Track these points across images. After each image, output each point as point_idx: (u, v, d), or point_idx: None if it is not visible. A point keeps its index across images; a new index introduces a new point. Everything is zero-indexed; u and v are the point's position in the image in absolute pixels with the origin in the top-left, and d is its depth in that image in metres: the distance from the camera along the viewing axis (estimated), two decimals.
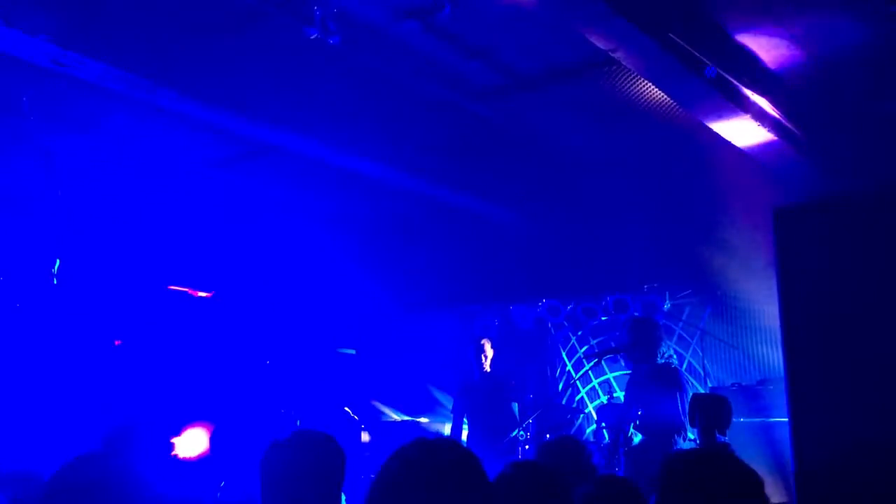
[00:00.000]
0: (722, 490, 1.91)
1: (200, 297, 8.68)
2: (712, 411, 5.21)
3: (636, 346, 6.18)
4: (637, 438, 6.11)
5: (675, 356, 8.34)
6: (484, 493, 1.69)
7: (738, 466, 1.95)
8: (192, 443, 6.55)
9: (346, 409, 8.73)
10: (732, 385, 7.84)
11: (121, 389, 7.32)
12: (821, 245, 4.35)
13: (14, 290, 7.23)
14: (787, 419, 4.73)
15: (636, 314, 8.36)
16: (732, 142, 5.67)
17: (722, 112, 5.20)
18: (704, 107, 5.18)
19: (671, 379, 6.04)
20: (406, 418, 9.37)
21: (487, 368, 7.35)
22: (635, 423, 6.22)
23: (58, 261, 7.02)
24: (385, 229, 8.64)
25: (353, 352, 10.18)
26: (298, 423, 7.79)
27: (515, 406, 7.26)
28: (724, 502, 1.90)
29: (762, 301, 7.66)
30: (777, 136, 5.52)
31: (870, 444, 3.91)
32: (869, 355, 3.98)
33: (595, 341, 9.18)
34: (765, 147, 5.68)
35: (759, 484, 1.93)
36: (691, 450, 3.40)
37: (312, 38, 4.45)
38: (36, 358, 7.16)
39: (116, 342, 7.98)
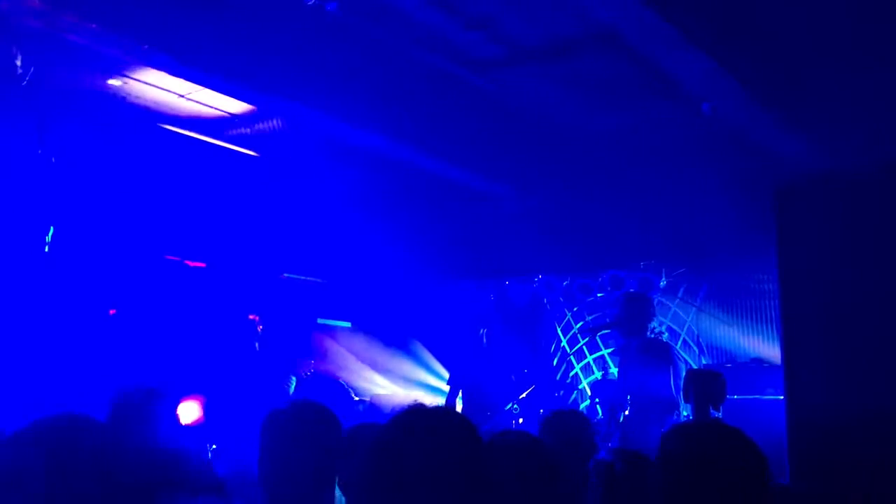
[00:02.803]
0: (725, 465, 1.87)
1: (195, 267, 8.66)
2: (706, 386, 5.21)
3: (628, 321, 6.18)
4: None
5: (666, 332, 8.36)
6: (480, 460, 1.68)
7: (743, 441, 1.92)
8: (184, 412, 6.55)
9: (341, 381, 8.76)
10: (727, 362, 7.86)
11: (115, 358, 7.31)
12: (821, 223, 4.34)
13: (7, 258, 7.19)
14: (781, 397, 4.74)
15: (630, 290, 8.36)
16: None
17: None
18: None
19: (662, 354, 6.05)
20: (402, 391, 9.40)
21: (484, 342, 7.37)
22: (627, 399, 6.23)
23: (51, 229, 6.98)
24: (380, 202, 8.60)
25: (349, 325, 10.19)
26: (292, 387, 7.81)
27: (511, 380, 7.29)
28: (727, 478, 1.86)
29: (758, 279, 7.67)
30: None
31: (865, 423, 3.91)
32: (867, 334, 3.98)
33: (590, 317, 9.20)
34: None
35: (763, 459, 1.90)
36: (693, 422, 3.38)
37: (310, 4, 4.38)
38: (29, 327, 7.14)
39: (111, 311, 7.96)
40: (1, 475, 1.82)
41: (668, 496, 1.88)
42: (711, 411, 5.15)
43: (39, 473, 1.80)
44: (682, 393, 5.41)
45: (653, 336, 6.15)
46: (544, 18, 5.19)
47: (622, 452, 3.04)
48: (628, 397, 6.10)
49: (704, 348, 8.47)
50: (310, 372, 8.29)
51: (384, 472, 1.64)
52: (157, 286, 8.27)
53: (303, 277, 9.72)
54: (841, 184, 4.17)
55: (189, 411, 6.57)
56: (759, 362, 7.58)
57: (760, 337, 8.11)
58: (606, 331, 7.65)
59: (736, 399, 6.66)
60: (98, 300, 7.82)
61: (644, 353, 6.00)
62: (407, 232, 9.05)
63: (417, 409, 1.74)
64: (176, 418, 3.72)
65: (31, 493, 1.78)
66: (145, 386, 3.74)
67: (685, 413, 5.82)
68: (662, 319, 8.46)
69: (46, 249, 6.93)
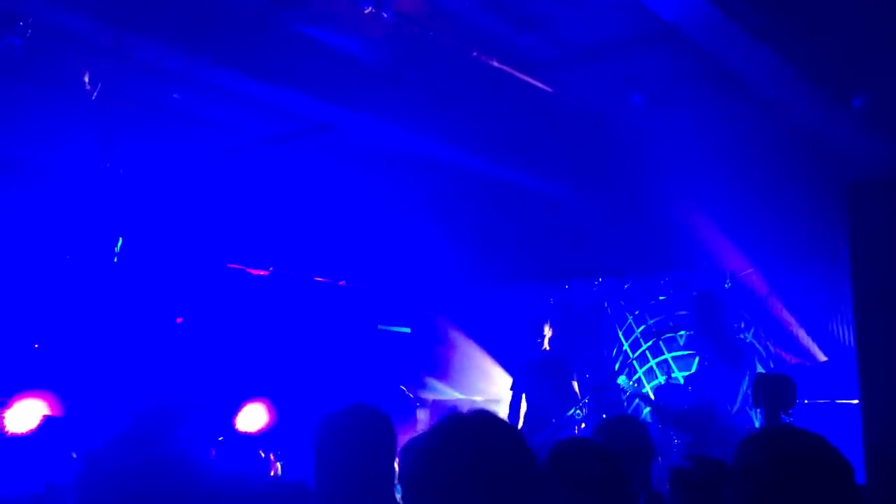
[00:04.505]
0: (813, 473, 1.78)
1: (259, 275, 8.80)
2: (776, 391, 5.07)
3: (700, 323, 6.06)
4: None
5: (751, 332, 8.16)
6: (524, 465, 1.62)
7: (829, 448, 1.83)
8: (251, 418, 6.66)
9: (402, 387, 8.79)
10: (796, 365, 7.64)
11: (183, 366, 7.47)
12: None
13: (78, 268, 7.41)
14: (856, 401, 4.57)
15: (695, 292, 8.18)
16: None
17: None
18: None
19: (735, 359, 5.90)
20: (462, 397, 9.38)
21: (546, 347, 7.32)
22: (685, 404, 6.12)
23: (120, 239, 7.16)
24: (440, 207, 8.61)
25: (409, 330, 10.22)
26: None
27: (575, 384, 7.21)
28: (815, 487, 1.77)
29: (829, 279, 7.44)
30: None
31: None
32: None
33: (653, 321, 9.04)
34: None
35: (850, 467, 1.81)
36: (775, 429, 3.27)
37: (367, 11, 4.41)
38: (100, 335, 7.34)
39: (178, 320, 8.13)
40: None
41: None
42: (782, 416, 5.01)
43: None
44: (751, 398, 5.28)
45: (732, 336, 5.96)
46: (602, 17, 5.13)
47: (700, 459, 2.97)
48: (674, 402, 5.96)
49: (773, 351, 8.24)
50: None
51: (423, 478, 1.61)
52: (221, 294, 8.42)
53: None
54: None
55: (255, 417, 6.68)
56: (829, 366, 7.36)
57: (831, 338, 7.86)
58: (670, 334, 7.52)
59: (807, 404, 6.48)
60: (165, 309, 8.00)
61: (717, 358, 5.87)
62: (466, 236, 9.05)
63: (457, 415, 1.71)
64: (193, 439, 3.71)
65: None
66: (164, 407, 3.77)
67: (757, 422, 5.66)
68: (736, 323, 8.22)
69: (115, 260, 7.12)
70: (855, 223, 4.03)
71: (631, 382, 6.91)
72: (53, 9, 4.58)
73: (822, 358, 7.81)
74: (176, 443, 3.41)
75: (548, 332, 7.34)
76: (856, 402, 5.02)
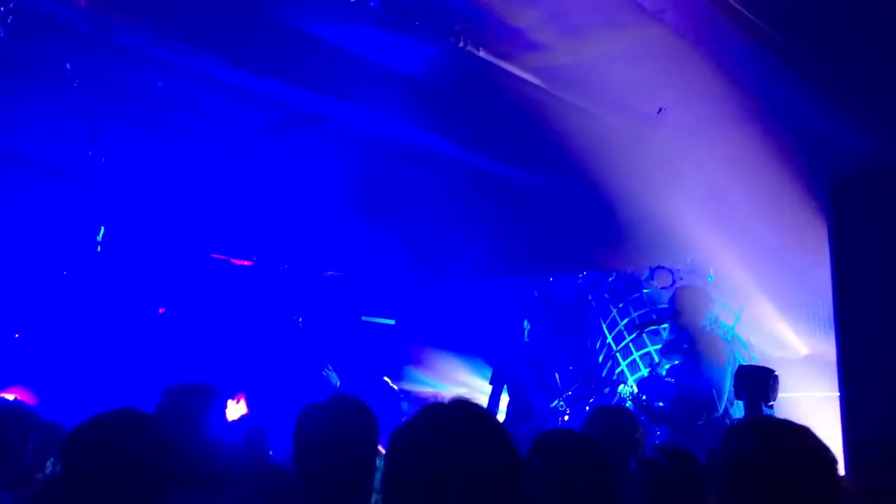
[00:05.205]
0: (799, 463, 1.79)
1: (242, 265, 8.76)
2: (758, 382, 5.09)
3: (679, 315, 6.07)
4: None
5: (726, 325, 8.18)
6: (505, 455, 1.61)
7: (814, 438, 1.84)
8: (232, 410, 6.66)
9: (386, 378, 8.78)
10: (778, 358, 7.69)
11: (165, 356, 7.43)
12: (876, 215, 4.22)
13: (60, 257, 7.35)
14: (837, 394, 4.62)
15: (677, 285, 8.20)
16: None
17: None
18: None
19: (712, 350, 5.91)
20: (446, 388, 9.39)
21: (528, 339, 7.34)
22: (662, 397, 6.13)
23: (102, 229, 7.11)
24: (425, 200, 8.60)
25: (392, 322, 10.22)
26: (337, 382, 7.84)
27: (557, 377, 7.23)
28: (801, 476, 1.78)
29: (811, 272, 7.49)
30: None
31: None
32: None
33: (636, 313, 9.07)
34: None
35: (834, 457, 1.82)
36: (760, 419, 3.28)
37: (353, 1, 4.39)
38: (81, 325, 7.29)
39: (160, 310, 8.10)
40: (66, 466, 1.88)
41: (735, 495, 1.80)
42: (764, 409, 5.03)
43: (100, 465, 1.86)
44: (733, 390, 5.30)
45: (709, 329, 5.97)
46: (590, 8, 5.13)
47: (668, 449, 2.97)
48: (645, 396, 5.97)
49: (754, 345, 8.28)
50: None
51: (403, 468, 1.60)
52: (204, 284, 8.39)
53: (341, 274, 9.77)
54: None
55: (236, 409, 6.67)
56: (810, 358, 7.41)
57: (812, 332, 7.92)
58: (653, 327, 7.54)
59: (788, 397, 6.52)
60: (148, 299, 7.96)
61: (692, 348, 5.89)
62: (450, 228, 9.04)
63: (437, 405, 1.70)
64: (224, 416, 3.74)
65: (92, 484, 1.83)
66: (197, 383, 3.78)
67: (737, 414, 5.69)
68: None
69: (98, 249, 7.07)
70: (836, 217, 4.07)
71: (628, 388, 6.92)
72: None
73: (804, 351, 7.87)
74: (200, 423, 3.47)
75: (529, 325, 7.35)
76: (836, 395, 5.08)
